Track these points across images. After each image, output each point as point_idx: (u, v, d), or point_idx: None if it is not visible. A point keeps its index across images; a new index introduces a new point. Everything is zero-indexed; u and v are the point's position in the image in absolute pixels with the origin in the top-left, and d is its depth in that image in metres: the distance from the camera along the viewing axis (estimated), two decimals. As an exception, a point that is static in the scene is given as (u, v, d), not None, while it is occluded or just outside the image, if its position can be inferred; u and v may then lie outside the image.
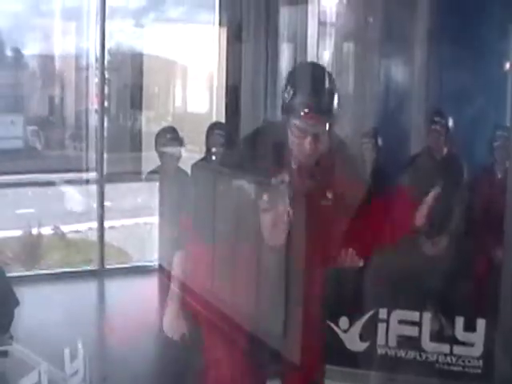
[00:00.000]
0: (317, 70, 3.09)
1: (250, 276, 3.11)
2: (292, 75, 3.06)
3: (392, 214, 3.19)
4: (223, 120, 6.42)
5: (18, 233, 7.74)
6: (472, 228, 5.07)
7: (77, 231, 8.92)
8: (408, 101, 5.59)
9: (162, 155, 6.06)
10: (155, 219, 6.71)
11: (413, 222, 3.26)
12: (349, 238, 3.08)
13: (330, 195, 3.06)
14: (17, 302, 4.50)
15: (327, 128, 2.92)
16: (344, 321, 4.87)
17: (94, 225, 7.33)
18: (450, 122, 5.24)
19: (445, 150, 5.30)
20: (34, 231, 7.87)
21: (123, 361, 4.74)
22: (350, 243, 3.06)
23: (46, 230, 8.28)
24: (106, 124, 7.09)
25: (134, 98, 7.67)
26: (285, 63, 5.71)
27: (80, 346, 4.27)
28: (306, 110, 2.85)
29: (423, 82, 5.46)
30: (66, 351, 4.12)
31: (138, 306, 5.79)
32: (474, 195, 5.23)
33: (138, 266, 7.02)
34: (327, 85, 2.93)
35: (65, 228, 8.99)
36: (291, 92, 2.88)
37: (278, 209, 2.85)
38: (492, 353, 4.69)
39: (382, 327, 4.87)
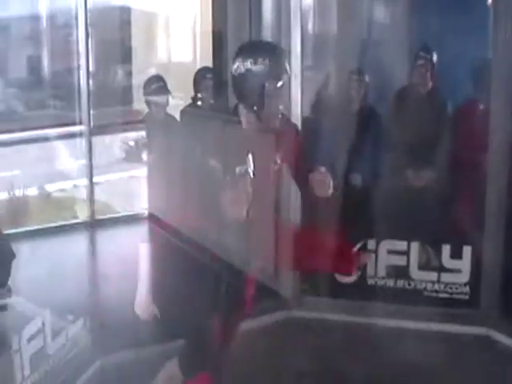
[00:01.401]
0: (271, 43, 3.72)
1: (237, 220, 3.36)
2: (255, 48, 3.40)
3: None
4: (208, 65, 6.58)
5: (2, 196, 7.81)
6: (457, 159, 5.27)
7: (62, 190, 9.04)
8: (393, 37, 5.75)
9: (149, 104, 6.24)
10: (140, 172, 6.87)
11: None
12: None
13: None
14: (13, 255, 4.56)
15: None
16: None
17: (79, 182, 7.44)
18: (435, 57, 5.42)
19: (429, 85, 5.48)
20: (19, 193, 7.96)
21: (118, 308, 4.91)
22: None
23: (32, 191, 8.38)
24: (91, 80, 7.17)
25: (118, 51, 7.75)
26: (268, 6, 5.87)
27: (81, 290, 4.53)
28: (286, 68, 3.26)
29: (407, 18, 5.62)
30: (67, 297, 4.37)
31: (130, 253, 5.97)
32: (458, 129, 5.40)
33: (127, 216, 7.18)
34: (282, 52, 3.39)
35: (50, 187, 9.11)
36: (266, 61, 3.20)
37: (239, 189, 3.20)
38: (478, 279, 4.97)
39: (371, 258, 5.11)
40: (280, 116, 3.31)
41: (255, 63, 3.22)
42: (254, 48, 3.42)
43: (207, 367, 3.44)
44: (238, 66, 3.27)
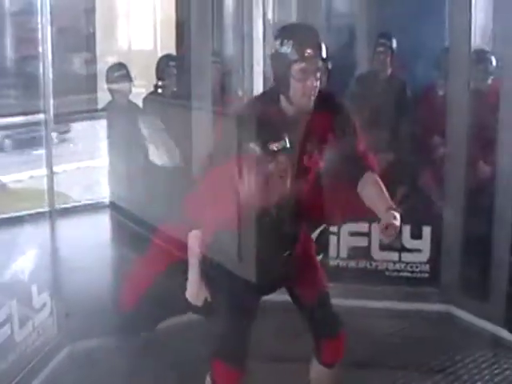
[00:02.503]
0: (306, 25, 3.66)
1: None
2: (286, 30, 3.43)
3: None
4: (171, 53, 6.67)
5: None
6: (417, 142, 5.44)
7: (18, 181, 9.07)
8: (353, 24, 5.89)
9: (112, 91, 6.33)
10: (97, 163, 6.96)
11: None
12: None
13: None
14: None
15: (322, 70, 3.39)
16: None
17: (35, 173, 7.44)
18: (394, 44, 5.57)
19: (389, 71, 5.63)
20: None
21: (82, 297, 4.99)
22: None
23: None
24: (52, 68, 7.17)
25: (81, 38, 7.76)
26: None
27: (46, 279, 4.61)
28: (309, 51, 3.28)
29: (366, 5, 5.77)
30: (34, 287, 4.45)
31: (92, 242, 6.08)
32: (418, 113, 5.57)
33: (88, 204, 7.26)
34: (318, 35, 3.39)
35: (5, 178, 9.10)
36: (290, 42, 3.28)
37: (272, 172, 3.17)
38: (438, 258, 5.14)
39: (333, 240, 5.25)
40: (312, 98, 3.33)
41: (281, 44, 3.29)
42: (284, 30, 3.45)
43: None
44: (271, 47, 3.39)
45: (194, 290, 3.42)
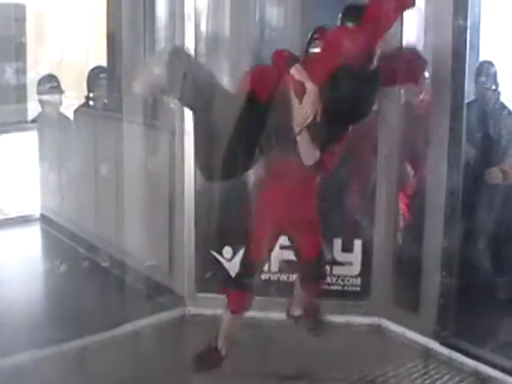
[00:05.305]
0: None
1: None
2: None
3: None
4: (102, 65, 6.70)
5: None
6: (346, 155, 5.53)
7: None
8: (287, 37, 5.97)
9: (43, 103, 6.37)
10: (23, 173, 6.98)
11: None
12: None
13: None
14: None
15: None
16: (227, 250, 5.32)
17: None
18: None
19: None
20: None
21: (14, 311, 5.02)
22: None
23: None
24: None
25: (11, 48, 7.72)
26: (163, 6, 6.04)
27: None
28: None
29: (299, 18, 5.87)
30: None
31: (22, 255, 6.08)
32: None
33: (19, 217, 7.23)
34: None
35: None
36: None
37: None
38: (369, 271, 5.23)
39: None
40: None
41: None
42: None
43: None
44: None
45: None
